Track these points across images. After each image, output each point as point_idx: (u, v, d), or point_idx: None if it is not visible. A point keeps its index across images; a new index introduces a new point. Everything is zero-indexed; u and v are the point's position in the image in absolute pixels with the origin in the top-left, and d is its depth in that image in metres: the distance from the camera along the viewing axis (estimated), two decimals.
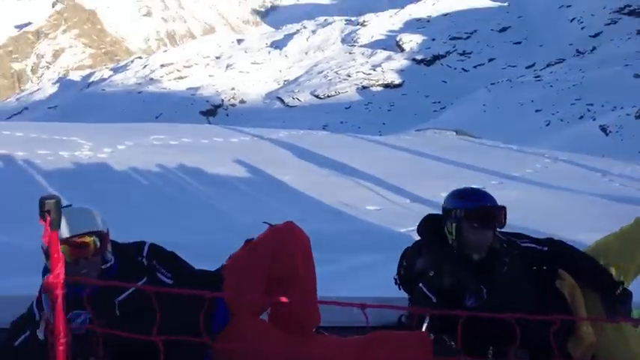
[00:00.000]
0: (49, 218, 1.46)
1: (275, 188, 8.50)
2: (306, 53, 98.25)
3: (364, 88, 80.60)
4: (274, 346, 2.52)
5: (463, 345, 2.23)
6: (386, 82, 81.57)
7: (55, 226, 1.47)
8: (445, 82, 78.54)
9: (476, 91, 61.04)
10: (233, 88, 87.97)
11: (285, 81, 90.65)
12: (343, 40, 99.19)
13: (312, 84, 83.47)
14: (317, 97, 79.59)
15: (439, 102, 71.83)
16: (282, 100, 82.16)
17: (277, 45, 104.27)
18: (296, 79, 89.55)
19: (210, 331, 2.54)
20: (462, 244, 2.72)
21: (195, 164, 9.32)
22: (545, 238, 2.95)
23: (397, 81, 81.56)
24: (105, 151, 9.85)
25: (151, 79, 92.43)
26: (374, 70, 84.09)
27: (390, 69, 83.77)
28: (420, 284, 2.74)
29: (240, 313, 2.62)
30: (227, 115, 78.39)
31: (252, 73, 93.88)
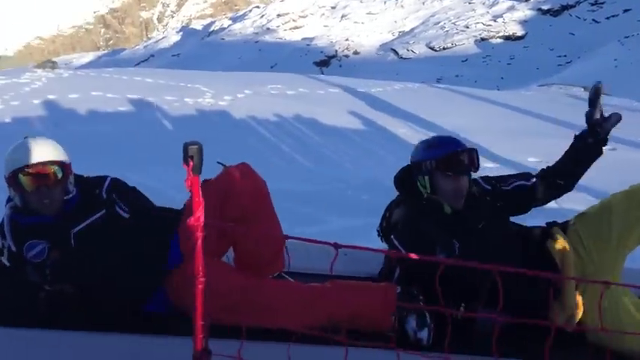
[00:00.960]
0: (191, 163, 1.53)
1: (389, 141, 8.44)
2: (423, 3, 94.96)
3: (483, 40, 76.85)
4: (221, 285, 2.34)
5: (433, 299, 1.95)
6: (507, 34, 77.23)
7: (197, 170, 1.54)
8: (573, 34, 73.02)
9: (607, 45, 56.36)
10: (347, 39, 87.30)
11: (400, 32, 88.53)
12: None
13: (428, 35, 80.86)
14: (432, 49, 77.09)
15: (565, 56, 67.05)
16: (396, 52, 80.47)
17: None
18: (411, 30, 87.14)
19: (165, 267, 2.51)
20: (438, 195, 2.56)
21: (310, 114, 9.43)
22: (531, 172, 2.78)
23: (519, 33, 76.91)
24: (225, 99, 10.21)
25: (268, 28, 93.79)
26: (494, 20, 79.79)
27: (512, 20, 79.11)
28: (392, 236, 2.64)
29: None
30: (340, 66, 78.19)
31: (366, 24, 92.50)
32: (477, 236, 2.51)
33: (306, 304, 2.44)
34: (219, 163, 2.62)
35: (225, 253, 2.67)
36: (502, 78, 58.89)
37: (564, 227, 2.62)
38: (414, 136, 8.52)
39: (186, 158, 1.55)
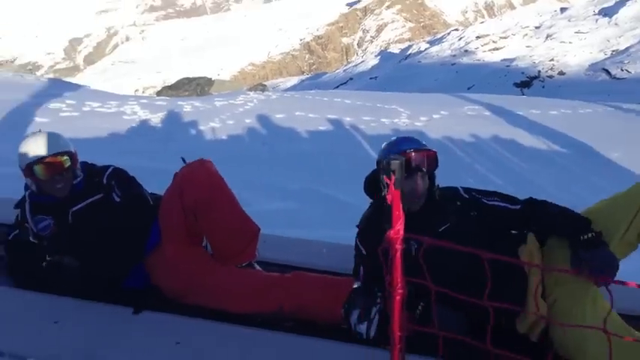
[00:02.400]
0: (393, 177, 1.56)
1: (601, 165, 7.76)
2: None
3: None
4: (183, 267, 2.74)
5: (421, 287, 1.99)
6: None
7: (399, 184, 1.56)
8: None
9: None
10: (552, 59, 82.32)
11: (613, 51, 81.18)
12: None
13: None
14: None
15: None
16: (608, 72, 73.87)
17: (606, 12, 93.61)
18: (626, 49, 79.38)
19: (145, 248, 2.85)
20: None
21: (509, 135, 9.05)
22: (526, 199, 2.55)
23: None
24: (421, 120, 10.22)
25: (466, 50, 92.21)
26: None
27: None
28: (356, 236, 2.68)
29: (166, 237, 2.83)
30: (543, 87, 73.82)
31: (574, 43, 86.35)
32: (438, 239, 2.29)
33: (257, 292, 2.66)
34: (181, 158, 2.92)
35: (200, 240, 2.93)
36: None
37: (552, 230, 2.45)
38: (629, 160, 7.73)
39: (388, 172, 1.60)
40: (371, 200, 2.76)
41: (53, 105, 9.58)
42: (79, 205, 2.84)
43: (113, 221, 2.84)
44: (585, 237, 2.23)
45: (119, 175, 3.03)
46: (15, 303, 2.69)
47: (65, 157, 2.77)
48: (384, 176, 2.45)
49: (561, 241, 2.36)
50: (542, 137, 9.10)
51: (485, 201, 2.54)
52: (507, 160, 7.93)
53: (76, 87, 14.16)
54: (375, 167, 2.68)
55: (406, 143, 2.54)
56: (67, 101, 10.04)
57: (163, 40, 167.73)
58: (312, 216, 5.28)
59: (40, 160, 2.72)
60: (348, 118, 9.93)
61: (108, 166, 3.03)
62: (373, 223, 2.59)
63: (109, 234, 2.80)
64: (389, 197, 1.52)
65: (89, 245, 2.78)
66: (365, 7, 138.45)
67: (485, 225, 2.46)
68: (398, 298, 1.51)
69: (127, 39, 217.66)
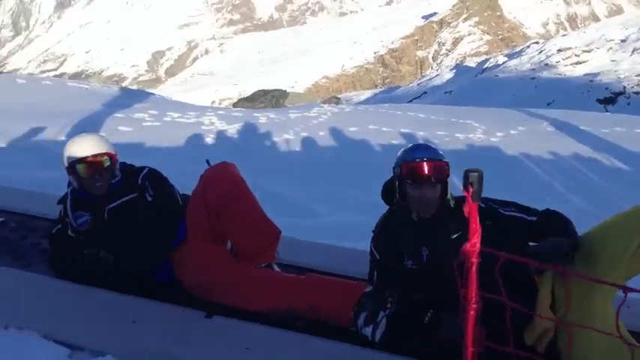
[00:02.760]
0: (471, 189, 1.54)
1: None
2: None
3: None
4: (202, 264, 2.91)
5: (405, 304, 2.35)
6: None
7: (476, 197, 1.55)
8: None
9: None
10: (638, 74, 78.44)
11: None
12: None
13: None
14: None
15: None
16: None
17: None
18: None
19: (172, 244, 3.06)
20: (406, 202, 2.55)
21: (590, 154, 8.69)
22: (543, 210, 2.52)
23: None
24: (497, 135, 9.99)
25: (546, 64, 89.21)
26: None
27: None
28: (371, 241, 2.71)
29: (190, 235, 3.01)
30: (628, 103, 70.31)
31: None
32: (449, 246, 2.33)
33: (269, 292, 2.76)
34: (206, 161, 3.10)
35: (223, 239, 3.06)
36: None
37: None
38: None
39: (467, 184, 1.61)
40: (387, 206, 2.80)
41: (137, 115, 10.05)
42: (115, 203, 3.06)
43: (144, 219, 3.07)
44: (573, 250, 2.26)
45: (153, 176, 3.24)
46: (96, 302, 2.83)
47: (105, 158, 3.01)
48: (397, 182, 2.56)
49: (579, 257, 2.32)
50: (627, 157, 8.68)
51: (501, 211, 2.53)
52: (589, 180, 7.61)
53: (158, 98, 14.78)
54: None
55: (419, 152, 2.56)
56: (150, 111, 10.50)
57: (240, 52, 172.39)
58: None
59: (82, 159, 2.96)
60: (421, 133, 9.84)
61: (144, 167, 3.26)
62: (387, 229, 2.66)
63: (141, 230, 3.03)
64: (466, 209, 1.51)
65: (122, 240, 3.01)
66: (441, 19, 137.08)
67: (501, 235, 2.39)
68: (472, 312, 1.49)
69: (207, 52, 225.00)
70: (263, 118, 10.75)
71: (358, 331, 2.50)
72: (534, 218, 2.49)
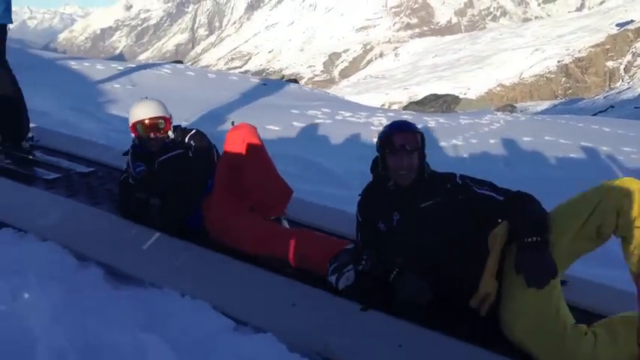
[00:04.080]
0: None
1: None
2: None
3: None
4: (218, 213, 3.41)
5: (379, 260, 2.74)
6: None
7: None
8: None
9: None
10: None
11: None
12: None
13: None
14: None
15: None
16: None
17: None
18: None
19: (203, 194, 3.58)
20: (386, 171, 2.81)
21: None
22: (515, 190, 2.70)
23: None
24: None
25: None
26: None
27: None
28: (356, 205, 2.99)
29: (215, 186, 3.51)
30: None
31: None
32: (418, 213, 2.73)
33: (260, 239, 3.18)
34: (232, 122, 3.60)
35: (242, 192, 3.45)
36: None
37: None
38: None
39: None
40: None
41: (311, 112, 10.48)
42: (164, 157, 3.67)
43: (183, 171, 3.64)
44: (529, 240, 2.37)
45: (200, 137, 3.78)
46: (261, 281, 3.01)
47: (160, 121, 3.64)
48: (379, 153, 2.86)
49: None
50: None
51: (475, 189, 2.74)
52: None
53: (331, 97, 15.30)
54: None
55: (395, 125, 2.90)
56: (323, 109, 10.90)
57: (415, 57, 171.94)
58: None
59: (141, 121, 3.62)
60: (604, 148, 9.06)
61: (192, 129, 3.83)
62: (369, 196, 2.97)
63: (179, 180, 3.60)
64: None
65: (165, 188, 3.60)
66: (638, 28, 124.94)
67: (470, 209, 2.69)
68: None
69: (381, 55, 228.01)
70: (432, 122, 10.62)
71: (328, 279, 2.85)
72: (501, 198, 2.67)
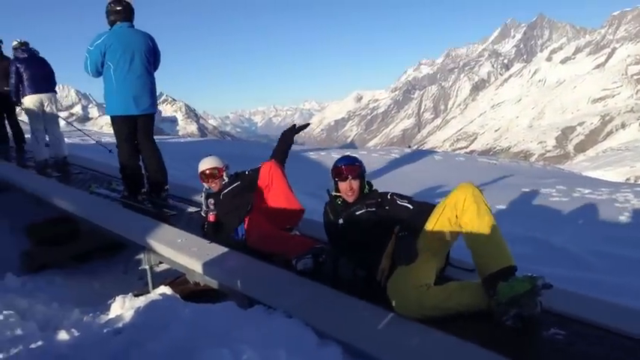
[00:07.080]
0: None
1: None
2: None
3: None
4: (248, 229, 4.68)
5: (333, 258, 3.99)
6: None
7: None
8: None
9: None
10: None
11: None
12: None
13: None
14: None
15: None
16: None
17: None
18: None
19: (246, 213, 4.72)
20: (337, 191, 4.00)
21: None
22: (427, 203, 3.73)
23: None
24: None
25: None
26: None
27: None
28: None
29: (254, 207, 4.75)
30: None
31: None
32: (355, 219, 3.87)
33: (261, 240, 4.39)
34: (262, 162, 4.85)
35: (265, 207, 4.76)
36: None
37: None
38: None
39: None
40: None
41: (544, 190, 9.93)
42: (226, 190, 5.00)
43: (238, 197, 4.88)
44: (400, 234, 3.39)
45: (249, 172, 5.08)
46: (329, 299, 3.53)
47: (215, 170, 5.06)
48: (333, 180, 4.03)
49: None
50: None
51: (398, 202, 3.79)
52: None
53: (566, 174, 14.34)
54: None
55: (342, 160, 3.99)
56: (558, 186, 10.25)
57: None
58: None
59: (202, 172, 5.09)
60: None
61: (245, 170, 5.17)
62: (328, 209, 4.08)
63: (235, 204, 4.80)
64: None
65: (224, 210, 4.85)
66: None
67: (392, 216, 3.72)
68: None
69: (623, 126, 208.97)
70: None
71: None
72: (411, 207, 3.71)
